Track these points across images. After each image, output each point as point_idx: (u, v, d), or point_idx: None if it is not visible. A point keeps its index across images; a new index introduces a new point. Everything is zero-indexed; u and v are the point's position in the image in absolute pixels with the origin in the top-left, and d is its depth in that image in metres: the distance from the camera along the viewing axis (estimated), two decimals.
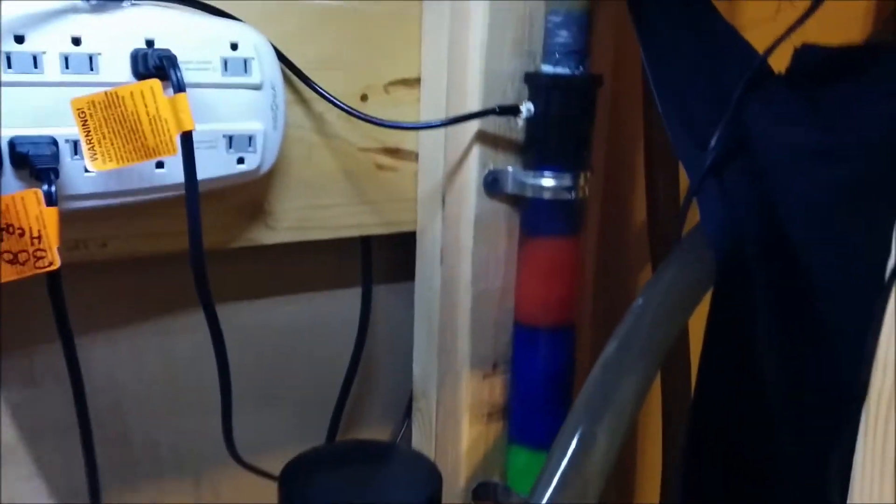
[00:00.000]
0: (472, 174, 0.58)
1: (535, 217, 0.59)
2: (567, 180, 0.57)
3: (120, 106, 0.43)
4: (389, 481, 0.49)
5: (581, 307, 0.62)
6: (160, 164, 0.48)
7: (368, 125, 0.59)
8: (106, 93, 0.43)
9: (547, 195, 0.57)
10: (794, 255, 0.47)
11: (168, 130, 0.44)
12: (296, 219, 0.59)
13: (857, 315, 0.41)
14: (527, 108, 0.56)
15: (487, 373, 0.62)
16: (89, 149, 0.43)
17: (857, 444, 0.38)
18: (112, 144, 0.44)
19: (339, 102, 0.56)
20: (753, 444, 0.50)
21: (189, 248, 0.48)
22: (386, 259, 0.68)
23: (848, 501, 0.39)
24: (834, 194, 0.46)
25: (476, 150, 0.58)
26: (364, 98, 0.60)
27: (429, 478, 0.47)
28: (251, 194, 0.56)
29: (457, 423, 0.63)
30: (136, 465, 0.60)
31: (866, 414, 0.37)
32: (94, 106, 0.43)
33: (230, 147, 0.51)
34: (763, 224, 0.48)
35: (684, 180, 0.69)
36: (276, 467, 0.66)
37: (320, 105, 0.57)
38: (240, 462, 0.53)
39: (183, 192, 0.47)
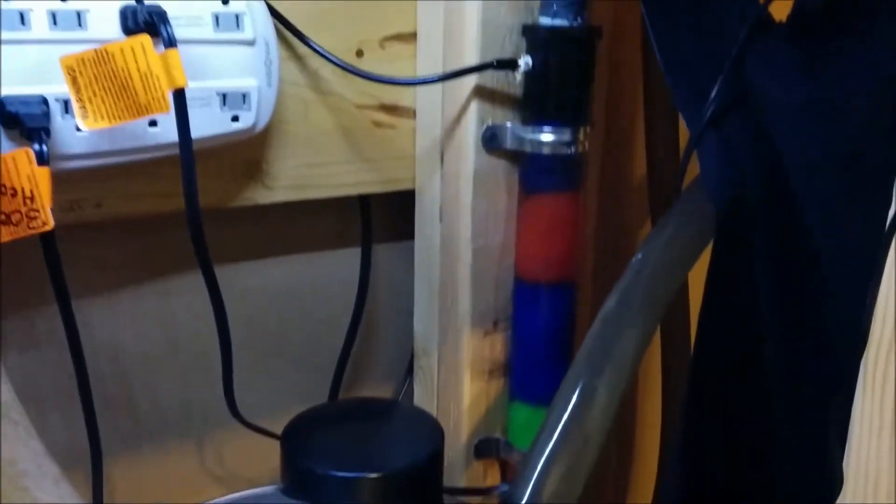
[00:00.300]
0: (470, 130, 0.58)
1: (534, 173, 0.58)
2: (566, 135, 0.56)
3: (110, 63, 0.43)
4: (393, 438, 0.49)
5: (581, 263, 0.62)
6: (153, 123, 0.47)
7: (365, 82, 0.58)
8: (95, 50, 0.43)
9: (546, 150, 0.56)
10: (794, 213, 0.46)
11: (160, 87, 0.43)
12: (293, 177, 0.58)
13: (855, 277, 0.40)
14: (525, 61, 0.55)
15: (488, 330, 0.62)
16: (80, 107, 0.43)
17: (856, 394, 0.38)
18: (103, 102, 0.43)
19: (334, 58, 0.55)
20: (753, 399, 0.50)
21: (185, 208, 0.48)
22: (385, 218, 0.68)
23: (846, 450, 0.39)
24: (833, 153, 0.45)
25: (474, 106, 0.57)
26: (360, 54, 0.59)
27: (432, 434, 0.48)
28: (247, 153, 0.56)
29: (458, 381, 0.63)
30: (140, 427, 0.60)
31: (865, 364, 0.37)
32: (84, 63, 0.42)
33: (224, 104, 0.50)
34: (763, 179, 0.47)
35: (685, 133, 0.68)
36: (278, 427, 0.66)
37: (315, 61, 0.56)
38: (241, 421, 0.54)
39: (177, 151, 0.47)
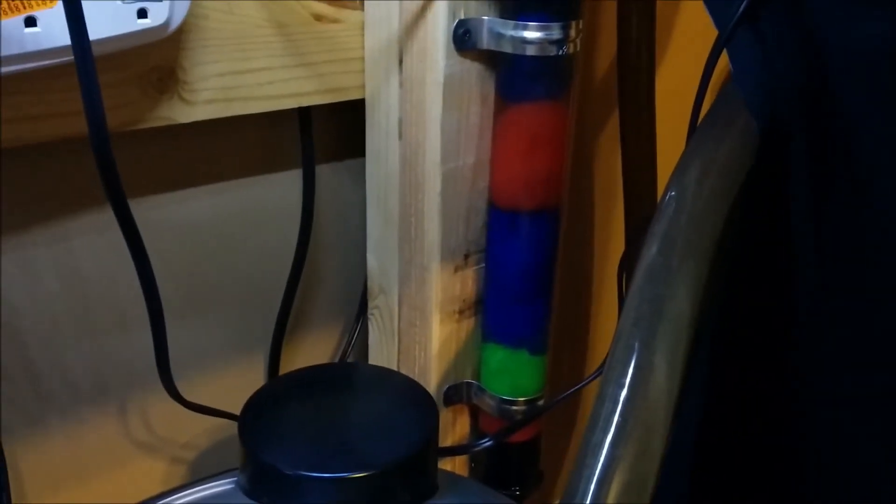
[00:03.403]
0: (438, 25, 0.47)
1: (515, 78, 0.49)
2: (556, 32, 0.46)
3: None
4: (378, 421, 0.38)
5: (565, 186, 0.53)
6: (31, 22, 0.35)
7: None
8: None
9: (531, 51, 0.47)
10: (843, 127, 0.38)
11: None
12: (217, 89, 0.47)
13: None
14: None
15: (459, 265, 0.53)
16: None
17: None
18: None
19: None
20: (784, 387, 0.43)
21: (89, 131, 0.36)
22: (329, 134, 0.57)
23: None
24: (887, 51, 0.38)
25: None
26: None
27: (424, 410, 0.39)
28: (158, 59, 0.44)
29: (425, 323, 0.54)
30: (48, 399, 0.50)
31: None
32: None
33: None
34: (811, 87, 0.39)
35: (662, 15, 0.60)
36: (213, 387, 0.57)
37: None
38: (182, 402, 0.44)
39: (66, 58, 0.35)
